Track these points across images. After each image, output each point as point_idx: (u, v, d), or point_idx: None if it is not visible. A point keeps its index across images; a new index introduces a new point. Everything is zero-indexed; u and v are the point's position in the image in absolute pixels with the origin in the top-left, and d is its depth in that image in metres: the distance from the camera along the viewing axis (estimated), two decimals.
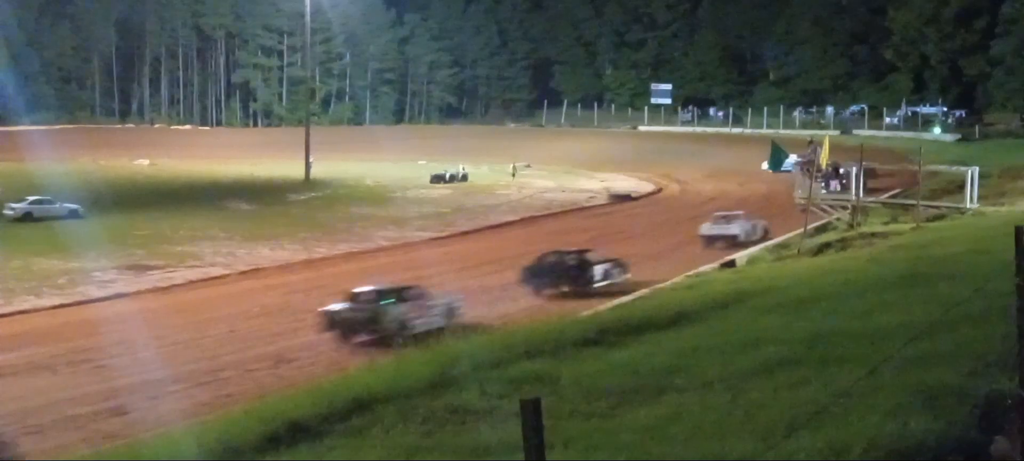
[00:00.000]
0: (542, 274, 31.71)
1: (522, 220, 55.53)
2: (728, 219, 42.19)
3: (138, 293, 34.14)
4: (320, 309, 26.09)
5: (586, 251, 33.64)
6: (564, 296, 30.26)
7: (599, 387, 11.23)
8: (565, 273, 31.63)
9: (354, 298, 25.67)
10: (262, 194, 65.95)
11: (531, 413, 4.21)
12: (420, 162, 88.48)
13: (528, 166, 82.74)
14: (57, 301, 33.08)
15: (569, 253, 33.12)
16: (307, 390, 13.97)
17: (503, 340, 15.76)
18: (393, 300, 25.41)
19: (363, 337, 24.93)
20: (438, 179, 75.05)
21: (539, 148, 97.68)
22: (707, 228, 41.47)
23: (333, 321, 25.25)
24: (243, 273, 39.00)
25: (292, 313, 30.65)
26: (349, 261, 42.23)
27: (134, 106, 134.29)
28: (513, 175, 77.96)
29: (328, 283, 35.90)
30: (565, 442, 8.96)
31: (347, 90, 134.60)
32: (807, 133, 78.07)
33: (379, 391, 12.47)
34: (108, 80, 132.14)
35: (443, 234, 49.72)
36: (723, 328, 15.37)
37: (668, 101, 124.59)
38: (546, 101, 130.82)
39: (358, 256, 43.63)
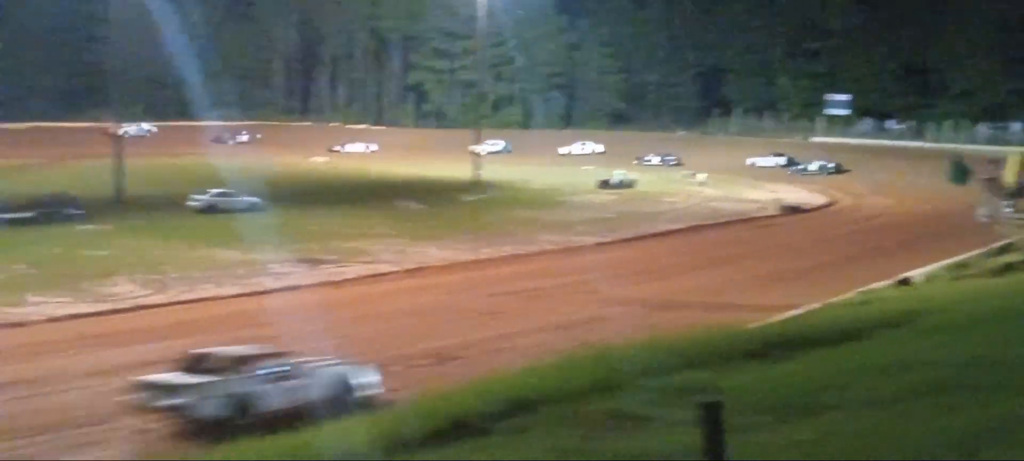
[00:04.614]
0: None
1: (688, 228, 55.01)
2: None
3: (310, 286, 35.14)
4: None
5: None
6: (729, 308, 29.87)
7: (763, 401, 11.11)
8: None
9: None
10: (431, 194, 67.07)
11: (711, 416, 4.24)
12: (587, 167, 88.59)
13: (694, 174, 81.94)
14: (235, 290, 34.39)
15: None
16: (471, 388, 14.21)
17: (666, 348, 15.71)
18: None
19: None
20: (604, 184, 74.97)
21: (708, 156, 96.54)
22: None
23: None
24: (410, 271, 39.76)
25: (456, 311, 31.20)
26: (513, 263, 42.62)
27: (312, 105, 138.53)
28: (701, 185, 77.01)
29: (491, 283, 36.40)
30: None
31: (517, 94, 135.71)
32: (992, 149, 75.16)
33: (542, 392, 12.61)
34: (288, 79, 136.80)
35: (606, 239, 49.61)
36: (890, 347, 15.00)
37: (844, 112, 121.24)
38: (716, 109, 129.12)
39: (522, 258, 43.97)
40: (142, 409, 18.99)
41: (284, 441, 13.38)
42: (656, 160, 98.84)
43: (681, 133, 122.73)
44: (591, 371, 13.88)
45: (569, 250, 46.01)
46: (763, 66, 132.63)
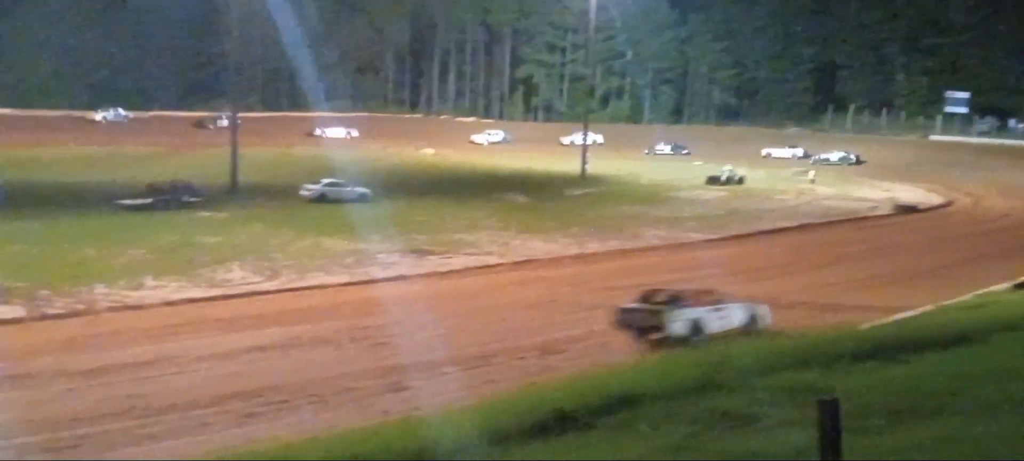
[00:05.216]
0: None
1: (798, 227, 54.06)
2: None
3: (417, 276, 35.53)
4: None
5: None
6: (840, 309, 29.33)
7: (874, 403, 10.86)
8: None
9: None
10: (538, 187, 67.06)
11: (829, 414, 4.14)
12: (696, 162, 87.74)
13: (806, 172, 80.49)
14: (344, 279, 34.92)
15: None
16: (574, 381, 14.19)
17: (774, 348, 15.50)
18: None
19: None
20: (714, 180, 74.10)
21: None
22: None
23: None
24: (516, 263, 39.88)
25: (561, 305, 31.18)
26: (619, 258, 42.40)
27: (422, 97, 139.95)
28: (813, 182, 75.75)
29: (597, 278, 36.25)
30: None
31: (626, 88, 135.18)
32: None
33: (646, 388, 12.51)
34: (400, 72, 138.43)
35: (715, 236, 49.03)
36: (1007, 351, 14.56)
37: (964, 110, 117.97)
38: (832, 106, 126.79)
39: (628, 253, 43.74)
40: (622, 328, 25.14)
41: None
42: (668, 150, 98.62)
43: (793, 129, 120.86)
44: (697, 368, 13.73)
45: (677, 246, 45.61)
46: (880, 62, 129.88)
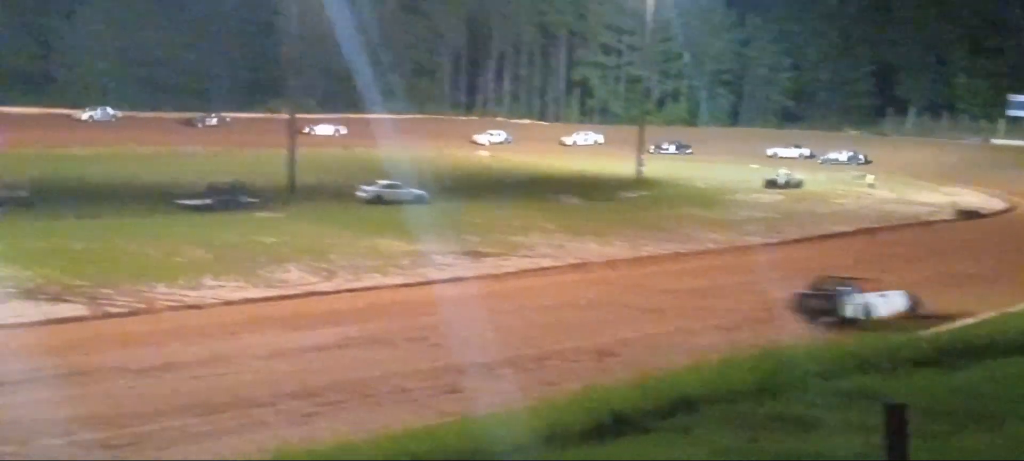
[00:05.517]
0: None
1: (857, 231, 53.47)
2: None
3: (473, 278, 35.59)
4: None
5: None
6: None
7: (937, 409, 10.69)
8: None
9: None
10: (593, 190, 66.88)
11: (896, 419, 4.08)
12: (752, 165, 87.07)
13: (864, 176, 79.61)
14: (400, 280, 35.09)
15: None
16: (632, 384, 14.10)
17: (833, 352, 15.31)
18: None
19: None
20: (771, 184, 73.55)
21: (880, 157, 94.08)
22: None
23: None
24: (571, 265, 39.86)
25: (617, 308, 31.10)
26: (675, 261, 42.21)
27: (479, 99, 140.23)
28: (871, 186, 74.97)
29: (653, 280, 36.16)
30: None
31: (683, 90, 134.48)
32: None
33: (704, 391, 12.43)
34: (456, 74, 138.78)
35: (772, 240, 48.58)
36: None
37: None
38: (891, 108, 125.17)
39: (684, 256, 43.51)
40: (797, 312, 27.78)
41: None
42: (672, 149, 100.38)
43: (852, 132, 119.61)
44: (756, 372, 13.60)
45: (734, 249, 45.30)
46: (940, 64, 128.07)
